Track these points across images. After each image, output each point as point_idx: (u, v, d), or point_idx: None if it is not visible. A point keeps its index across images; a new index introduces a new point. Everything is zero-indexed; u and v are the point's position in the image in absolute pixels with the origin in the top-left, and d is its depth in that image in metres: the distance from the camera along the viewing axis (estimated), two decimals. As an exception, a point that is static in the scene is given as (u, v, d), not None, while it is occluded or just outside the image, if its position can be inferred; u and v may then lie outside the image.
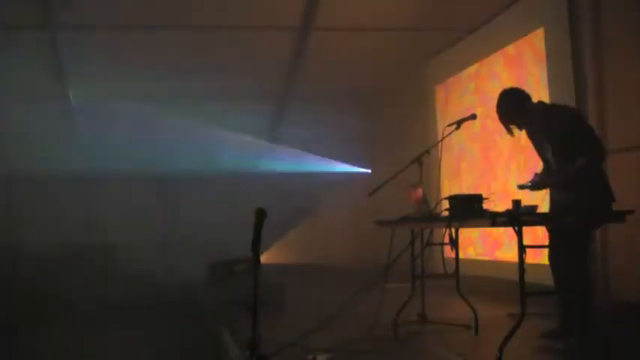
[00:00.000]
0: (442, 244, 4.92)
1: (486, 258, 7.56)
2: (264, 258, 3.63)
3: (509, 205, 3.81)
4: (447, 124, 5.21)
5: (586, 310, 3.97)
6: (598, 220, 3.92)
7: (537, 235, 4.96)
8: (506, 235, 6.97)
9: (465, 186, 8.00)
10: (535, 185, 4.30)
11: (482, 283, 6.70)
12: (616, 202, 3.94)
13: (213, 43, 8.62)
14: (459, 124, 4.92)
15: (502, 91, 4.43)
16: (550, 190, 4.38)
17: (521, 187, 4.34)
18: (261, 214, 3.33)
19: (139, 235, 9.44)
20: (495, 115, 4.32)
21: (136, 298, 6.82)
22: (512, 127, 4.32)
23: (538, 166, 4.76)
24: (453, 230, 4.57)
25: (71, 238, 8.96)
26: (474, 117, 5.00)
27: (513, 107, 4.27)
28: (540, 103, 4.38)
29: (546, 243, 4.27)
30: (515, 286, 3.59)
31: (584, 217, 3.86)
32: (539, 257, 4.40)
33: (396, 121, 10.46)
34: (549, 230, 4.25)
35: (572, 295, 4.06)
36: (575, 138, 4.01)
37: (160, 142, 10.37)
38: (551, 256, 4.21)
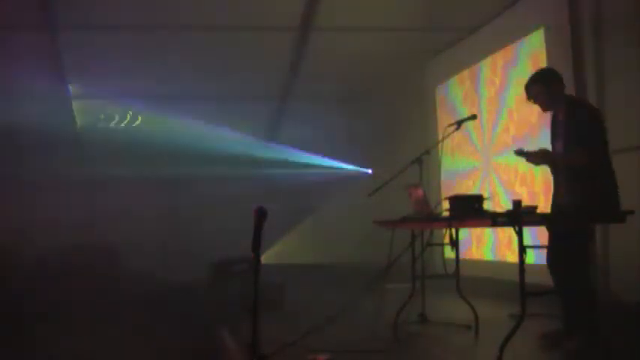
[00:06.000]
0: (442, 244, 4.94)
1: (486, 258, 7.56)
2: (264, 258, 3.64)
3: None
4: (447, 124, 5.22)
5: (591, 311, 3.96)
6: (593, 220, 3.91)
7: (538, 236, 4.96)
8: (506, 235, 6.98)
9: (464, 186, 8.01)
10: (533, 156, 4.23)
11: (483, 283, 6.70)
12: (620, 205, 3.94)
13: (213, 43, 8.61)
14: (459, 124, 4.94)
15: (543, 67, 4.55)
16: (554, 191, 4.36)
17: (518, 152, 4.25)
18: (261, 214, 3.34)
19: (139, 235, 9.42)
20: (495, 115, 4.37)
21: (135, 298, 6.82)
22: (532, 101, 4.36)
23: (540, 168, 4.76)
24: (453, 230, 4.57)
25: (71, 239, 8.95)
26: (474, 117, 5.03)
27: (543, 84, 4.28)
28: (568, 95, 4.38)
29: (545, 243, 4.28)
30: (516, 287, 3.60)
31: (582, 217, 3.87)
32: (539, 257, 4.40)
33: (396, 121, 10.46)
34: (550, 231, 4.25)
35: (572, 296, 4.07)
36: (588, 137, 4.01)
37: (160, 142, 10.36)
38: (549, 257, 4.21)
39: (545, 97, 4.28)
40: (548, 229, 4.23)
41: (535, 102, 4.35)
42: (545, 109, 4.37)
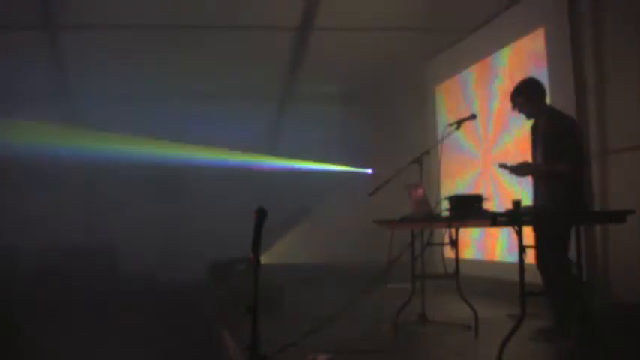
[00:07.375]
0: (442, 244, 4.94)
1: (486, 258, 7.56)
2: (264, 258, 3.64)
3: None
4: (447, 124, 5.23)
5: (576, 310, 3.99)
6: (571, 222, 3.99)
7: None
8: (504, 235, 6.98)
9: (464, 186, 8.00)
10: (515, 169, 4.38)
11: (483, 283, 6.70)
12: (591, 207, 4.10)
13: (213, 43, 8.61)
14: (459, 124, 4.95)
15: (527, 79, 4.68)
16: (533, 195, 4.45)
17: (501, 165, 4.40)
18: (261, 214, 3.34)
19: (139, 235, 9.42)
20: (495, 116, 4.41)
21: (135, 298, 6.82)
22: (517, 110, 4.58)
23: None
24: (453, 230, 4.58)
25: (71, 238, 8.96)
26: (473, 117, 5.04)
27: (526, 96, 4.49)
28: (549, 105, 4.59)
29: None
30: (515, 287, 3.60)
31: (580, 217, 3.96)
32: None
33: (396, 121, 10.46)
34: (536, 233, 4.29)
35: (557, 295, 4.16)
36: (565, 147, 4.21)
37: (160, 141, 10.36)
38: (536, 257, 4.29)
39: (527, 108, 4.52)
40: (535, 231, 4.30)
41: (520, 111, 4.57)
42: (528, 117, 4.60)
